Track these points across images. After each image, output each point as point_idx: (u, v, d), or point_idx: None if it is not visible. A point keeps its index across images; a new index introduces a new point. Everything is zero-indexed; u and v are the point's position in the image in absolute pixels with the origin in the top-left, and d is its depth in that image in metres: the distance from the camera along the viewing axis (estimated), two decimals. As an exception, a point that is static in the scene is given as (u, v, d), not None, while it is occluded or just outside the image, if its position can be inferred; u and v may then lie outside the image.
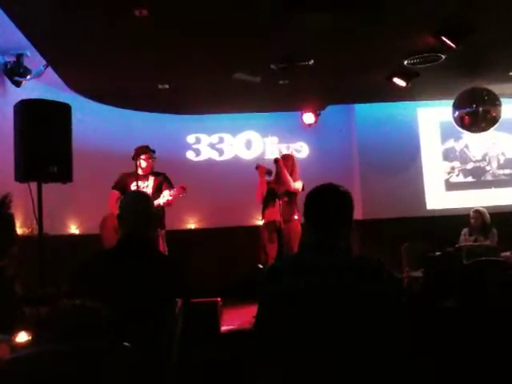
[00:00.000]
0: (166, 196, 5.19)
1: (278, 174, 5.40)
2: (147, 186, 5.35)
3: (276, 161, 5.42)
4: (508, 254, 5.50)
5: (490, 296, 3.19)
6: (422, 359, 1.93)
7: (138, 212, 2.70)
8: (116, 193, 5.29)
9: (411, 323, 1.95)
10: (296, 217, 5.37)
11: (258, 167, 5.56)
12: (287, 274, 1.97)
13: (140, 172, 5.36)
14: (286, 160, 5.58)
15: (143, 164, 5.36)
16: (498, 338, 2.87)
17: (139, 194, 3.44)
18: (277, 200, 5.35)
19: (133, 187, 5.30)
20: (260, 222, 5.76)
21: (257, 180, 5.54)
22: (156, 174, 5.45)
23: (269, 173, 5.51)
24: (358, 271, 1.92)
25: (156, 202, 5.19)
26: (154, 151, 5.44)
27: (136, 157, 5.33)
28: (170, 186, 5.34)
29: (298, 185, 5.45)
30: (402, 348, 1.85)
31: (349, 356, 1.82)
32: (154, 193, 5.24)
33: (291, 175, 5.46)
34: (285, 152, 7.25)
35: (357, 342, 1.83)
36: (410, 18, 4.83)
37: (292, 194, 5.44)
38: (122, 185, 5.32)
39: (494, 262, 4.31)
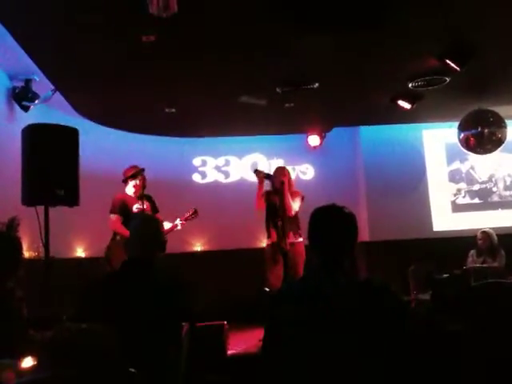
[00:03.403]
0: (179, 222, 5.42)
1: (281, 198, 5.34)
2: (145, 207, 5.37)
3: (282, 183, 5.37)
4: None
5: (498, 319, 3.16)
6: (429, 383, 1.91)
7: (147, 236, 2.71)
8: (119, 217, 5.30)
9: (418, 347, 1.93)
10: (300, 239, 5.33)
11: (256, 172, 5.51)
12: (293, 300, 1.96)
13: (131, 193, 5.40)
14: (282, 175, 5.50)
15: (138, 184, 5.38)
16: (506, 362, 2.83)
17: (148, 217, 3.44)
18: (278, 221, 5.31)
19: (135, 209, 5.32)
20: (264, 244, 5.73)
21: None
22: (146, 196, 5.45)
23: (268, 177, 5.46)
24: (363, 295, 1.91)
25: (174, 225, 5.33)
26: (143, 170, 5.47)
27: (132, 178, 5.37)
28: (157, 211, 5.47)
29: (296, 206, 5.40)
30: (408, 372, 1.83)
31: (355, 381, 1.81)
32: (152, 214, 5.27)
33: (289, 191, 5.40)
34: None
35: (363, 365, 1.81)
36: (414, 41, 4.87)
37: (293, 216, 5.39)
38: (122, 208, 5.33)
39: (503, 285, 4.27)
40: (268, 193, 5.50)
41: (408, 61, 5.37)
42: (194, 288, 3.07)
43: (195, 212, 5.55)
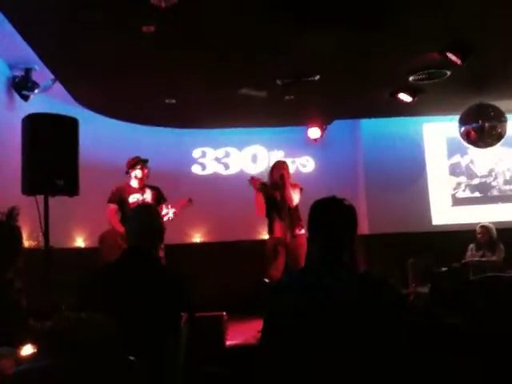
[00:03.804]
0: (170, 211, 5.26)
1: (282, 190, 5.34)
2: (147, 198, 5.34)
3: (281, 177, 5.37)
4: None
5: (496, 313, 3.17)
6: (426, 377, 1.91)
7: (146, 225, 2.71)
8: (114, 207, 5.29)
9: (416, 340, 1.93)
10: (302, 231, 5.32)
11: (251, 180, 5.45)
12: (293, 291, 1.96)
13: (135, 184, 5.38)
14: (281, 168, 5.52)
15: (139, 175, 5.36)
16: (503, 355, 2.84)
17: (147, 207, 3.44)
18: (280, 215, 5.31)
19: (132, 199, 5.30)
20: (266, 236, 5.72)
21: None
22: (151, 187, 5.44)
23: (263, 186, 5.44)
24: (361, 287, 1.91)
25: (164, 214, 5.22)
26: (147, 160, 5.45)
27: (131, 168, 5.35)
28: (165, 200, 5.41)
29: (297, 197, 5.40)
30: (406, 364, 1.84)
31: (353, 373, 1.81)
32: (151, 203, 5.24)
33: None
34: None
35: (362, 358, 1.82)
36: (414, 40, 4.87)
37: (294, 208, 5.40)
38: (118, 198, 5.32)
39: (501, 279, 4.28)
40: (267, 188, 5.48)
41: (409, 55, 5.33)
42: (193, 280, 3.07)
43: (189, 200, 5.48)
